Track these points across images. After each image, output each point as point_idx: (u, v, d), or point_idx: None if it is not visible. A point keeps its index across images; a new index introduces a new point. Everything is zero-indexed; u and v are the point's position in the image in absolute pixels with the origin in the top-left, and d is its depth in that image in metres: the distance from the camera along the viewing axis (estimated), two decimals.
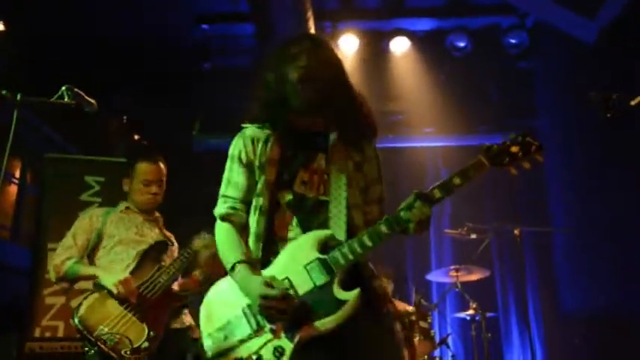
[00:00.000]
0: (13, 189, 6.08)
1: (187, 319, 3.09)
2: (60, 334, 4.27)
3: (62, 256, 2.93)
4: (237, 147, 2.01)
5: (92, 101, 2.39)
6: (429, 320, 4.76)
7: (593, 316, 5.29)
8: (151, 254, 2.93)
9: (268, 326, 1.78)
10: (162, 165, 3.15)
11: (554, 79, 6.25)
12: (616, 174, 4.94)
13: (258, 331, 1.79)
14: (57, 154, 5.29)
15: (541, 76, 6.47)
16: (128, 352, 2.61)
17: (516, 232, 4.83)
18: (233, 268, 1.85)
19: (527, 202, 6.17)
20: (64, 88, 2.24)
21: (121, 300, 2.72)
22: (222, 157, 2.07)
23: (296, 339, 1.75)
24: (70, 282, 2.92)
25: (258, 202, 1.94)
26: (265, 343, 1.77)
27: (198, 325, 1.95)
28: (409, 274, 6.38)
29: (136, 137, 8.06)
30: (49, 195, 4.90)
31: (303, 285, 1.79)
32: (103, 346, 2.62)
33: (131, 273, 2.83)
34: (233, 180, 1.99)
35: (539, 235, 5.78)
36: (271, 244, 1.91)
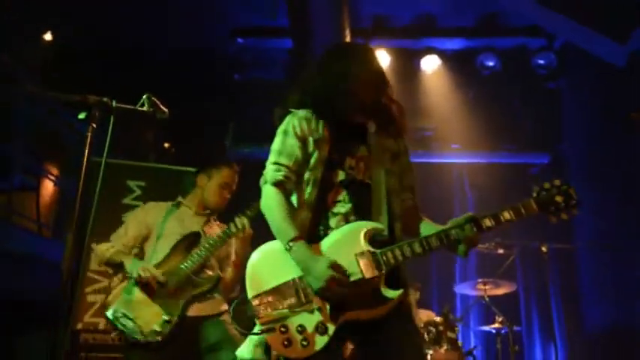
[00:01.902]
0: (51, 187, 6.29)
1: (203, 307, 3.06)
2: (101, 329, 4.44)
3: (109, 244, 3.12)
4: (290, 123, 2.13)
5: (165, 110, 2.57)
6: (456, 331, 4.87)
7: (616, 333, 5.37)
8: (182, 245, 3.05)
9: (316, 305, 1.92)
10: (237, 171, 3.30)
11: (581, 100, 6.38)
12: None
13: (305, 304, 1.92)
14: (101, 159, 5.46)
15: (568, 97, 6.61)
16: (140, 335, 2.79)
17: (544, 248, 4.93)
18: (291, 242, 1.96)
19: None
20: (145, 96, 2.43)
21: (142, 286, 2.90)
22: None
23: (340, 321, 1.90)
24: (112, 267, 3.07)
25: (312, 175, 2.07)
26: (310, 317, 1.91)
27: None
28: (433, 285, 6.50)
29: (166, 145, 8.32)
30: (92, 197, 5.05)
31: (352, 273, 1.93)
32: (119, 327, 2.82)
33: (160, 263, 3.00)
34: (287, 151, 2.09)
35: (564, 252, 5.88)
36: (322, 216, 2.05)
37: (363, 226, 1.99)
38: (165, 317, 2.84)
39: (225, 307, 3.12)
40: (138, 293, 2.91)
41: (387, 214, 2.06)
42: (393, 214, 2.09)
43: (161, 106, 2.69)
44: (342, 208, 2.05)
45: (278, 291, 1.96)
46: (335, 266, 1.90)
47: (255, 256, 2.08)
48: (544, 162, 6.74)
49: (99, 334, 3.92)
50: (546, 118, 6.61)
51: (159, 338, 2.80)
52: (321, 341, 1.88)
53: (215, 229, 3.19)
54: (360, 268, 1.92)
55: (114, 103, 2.16)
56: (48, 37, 6.60)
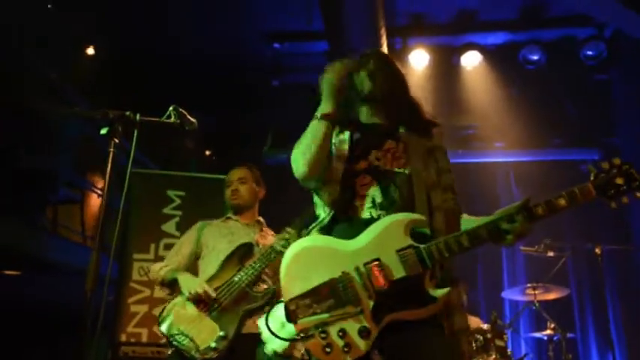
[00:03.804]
0: (96, 199, 6.45)
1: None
2: (144, 339, 4.47)
3: (162, 264, 3.12)
4: None
5: (193, 120, 2.53)
6: (505, 339, 4.66)
7: None
8: (235, 257, 2.99)
9: (358, 306, 1.78)
10: (245, 168, 3.26)
11: (633, 91, 6.02)
12: None
13: (344, 305, 1.79)
14: (142, 170, 5.52)
15: (619, 88, 6.25)
16: (196, 352, 2.71)
17: (597, 250, 4.67)
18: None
19: (607, 219, 5.94)
20: (171, 108, 2.40)
21: (196, 302, 2.84)
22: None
23: (383, 323, 1.78)
24: (167, 287, 3.04)
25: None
26: (352, 320, 1.78)
27: None
28: (480, 290, 6.27)
29: (207, 153, 8.38)
30: (134, 208, 5.10)
31: (395, 270, 1.80)
32: (175, 344, 2.75)
33: (212, 276, 2.94)
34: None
35: (621, 254, 5.55)
36: (349, 201, 1.96)
37: (403, 219, 1.86)
38: (221, 333, 2.76)
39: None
40: (192, 309, 2.86)
41: (427, 205, 1.93)
42: (433, 206, 1.96)
43: (189, 117, 2.65)
44: (369, 190, 1.96)
45: (315, 293, 1.82)
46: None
47: (288, 256, 1.93)
48: (593, 158, 6.41)
49: (139, 347, 3.93)
50: (595, 112, 6.28)
51: (215, 355, 2.72)
52: (364, 346, 1.76)
53: (269, 239, 3.15)
54: (403, 265, 1.79)
55: (137, 117, 2.14)
56: (90, 51, 6.76)
